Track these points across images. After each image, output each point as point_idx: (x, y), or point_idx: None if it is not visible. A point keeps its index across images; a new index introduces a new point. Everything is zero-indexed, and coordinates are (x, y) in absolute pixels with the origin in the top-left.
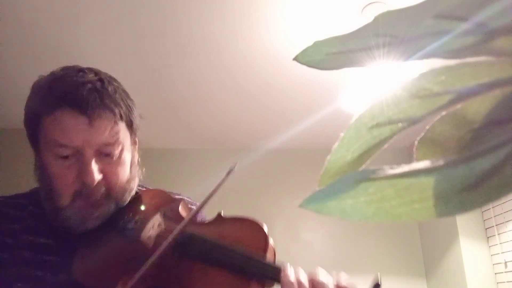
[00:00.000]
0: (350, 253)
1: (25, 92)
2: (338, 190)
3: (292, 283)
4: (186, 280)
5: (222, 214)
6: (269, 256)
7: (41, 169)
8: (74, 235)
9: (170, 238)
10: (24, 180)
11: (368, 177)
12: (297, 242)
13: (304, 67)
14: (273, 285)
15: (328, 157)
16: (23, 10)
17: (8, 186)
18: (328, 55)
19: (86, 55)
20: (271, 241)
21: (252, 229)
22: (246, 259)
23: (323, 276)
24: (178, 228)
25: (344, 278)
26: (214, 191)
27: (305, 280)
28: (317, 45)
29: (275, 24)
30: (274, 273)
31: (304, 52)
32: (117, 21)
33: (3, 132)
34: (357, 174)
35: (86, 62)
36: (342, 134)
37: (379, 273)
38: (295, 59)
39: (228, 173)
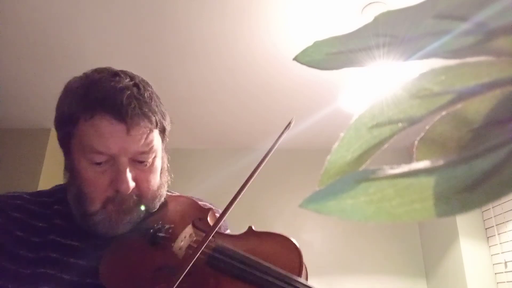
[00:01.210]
0: (350, 253)
1: (25, 92)
2: (338, 190)
3: None
4: None
5: (253, 228)
6: (303, 277)
7: (72, 173)
8: (102, 238)
9: (202, 245)
10: (24, 180)
11: (368, 177)
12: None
13: (304, 67)
14: None
15: (328, 157)
16: (23, 10)
17: (8, 186)
18: (328, 55)
19: (86, 55)
20: (303, 259)
21: (286, 247)
22: (281, 279)
23: None
24: (212, 230)
25: None
26: (272, 147)
27: None
28: (317, 45)
29: (275, 24)
30: None
31: (304, 52)
32: (117, 21)
33: (3, 132)
34: (357, 174)
35: (86, 62)
36: (342, 134)
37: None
38: (295, 59)
39: (286, 128)
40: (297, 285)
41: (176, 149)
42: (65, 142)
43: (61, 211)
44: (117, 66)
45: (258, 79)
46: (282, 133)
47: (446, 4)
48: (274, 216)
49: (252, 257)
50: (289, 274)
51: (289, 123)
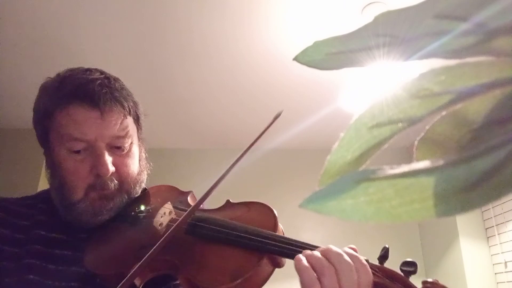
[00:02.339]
0: None
1: (25, 92)
2: (338, 190)
3: (303, 257)
4: (199, 260)
5: (231, 201)
6: (278, 234)
7: (53, 167)
8: (85, 229)
9: (183, 217)
10: (24, 180)
11: (368, 177)
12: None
13: (304, 67)
14: (284, 260)
15: (328, 157)
16: (23, 10)
17: (8, 186)
18: (328, 55)
19: (86, 55)
20: (279, 222)
21: (261, 210)
22: (257, 235)
23: (335, 249)
24: (194, 205)
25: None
26: (258, 138)
27: (317, 254)
28: (317, 45)
29: (275, 24)
30: (285, 247)
31: (304, 52)
32: (117, 21)
33: (3, 132)
34: (357, 174)
35: (86, 62)
36: (342, 134)
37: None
38: (295, 59)
39: (275, 118)
40: (269, 238)
41: (176, 149)
42: (44, 138)
43: (45, 209)
44: (117, 66)
45: (258, 79)
46: (272, 123)
47: (446, 4)
48: None
49: (230, 221)
50: (263, 231)
51: (278, 115)
